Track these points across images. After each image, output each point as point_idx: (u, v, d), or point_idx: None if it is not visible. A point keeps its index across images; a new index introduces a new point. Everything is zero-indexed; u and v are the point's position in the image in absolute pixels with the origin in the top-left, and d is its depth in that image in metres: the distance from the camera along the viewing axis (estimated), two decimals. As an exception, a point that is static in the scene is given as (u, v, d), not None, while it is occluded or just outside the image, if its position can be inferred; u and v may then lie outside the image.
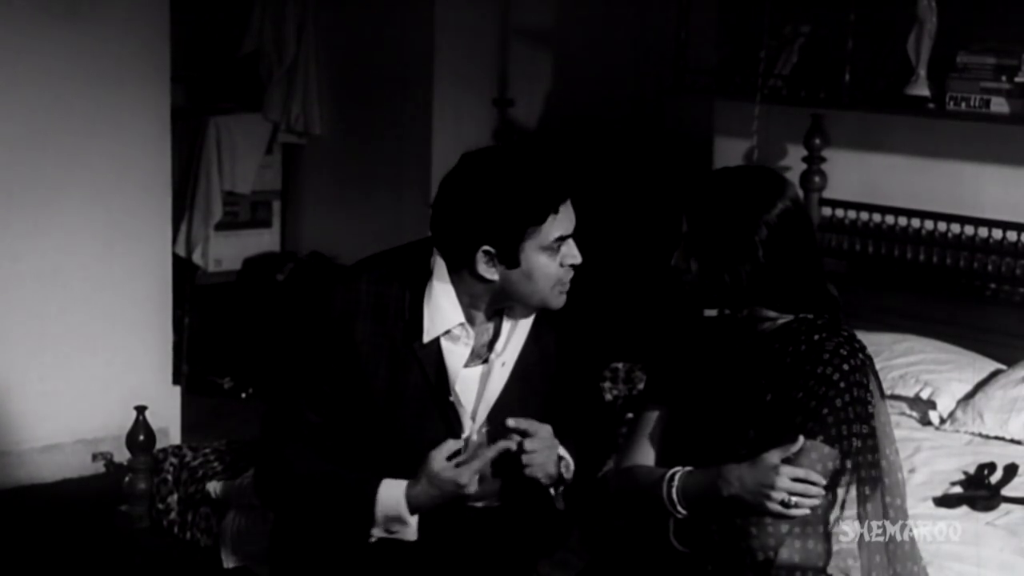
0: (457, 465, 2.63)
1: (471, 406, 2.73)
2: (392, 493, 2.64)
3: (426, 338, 2.68)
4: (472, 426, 2.74)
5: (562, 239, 2.64)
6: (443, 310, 2.67)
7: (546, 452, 2.67)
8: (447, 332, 2.69)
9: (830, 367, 2.53)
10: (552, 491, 2.74)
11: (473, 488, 2.62)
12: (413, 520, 2.66)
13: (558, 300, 2.68)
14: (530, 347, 2.76)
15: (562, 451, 2.72)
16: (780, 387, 2.56)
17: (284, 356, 2.79)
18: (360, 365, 2.68)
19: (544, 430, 2.66)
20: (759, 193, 2.58)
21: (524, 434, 2.65)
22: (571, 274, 2.67)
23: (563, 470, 2.72)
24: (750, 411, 2.59)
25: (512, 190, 2.58)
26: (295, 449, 2.69)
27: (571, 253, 2.66)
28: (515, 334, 2.75)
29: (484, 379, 2.73)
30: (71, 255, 5.05)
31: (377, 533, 2.67)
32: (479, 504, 2.79)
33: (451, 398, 2.71)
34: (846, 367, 2.53)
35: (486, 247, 2.61)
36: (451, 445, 2.64)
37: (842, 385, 2.52)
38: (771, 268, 2.56)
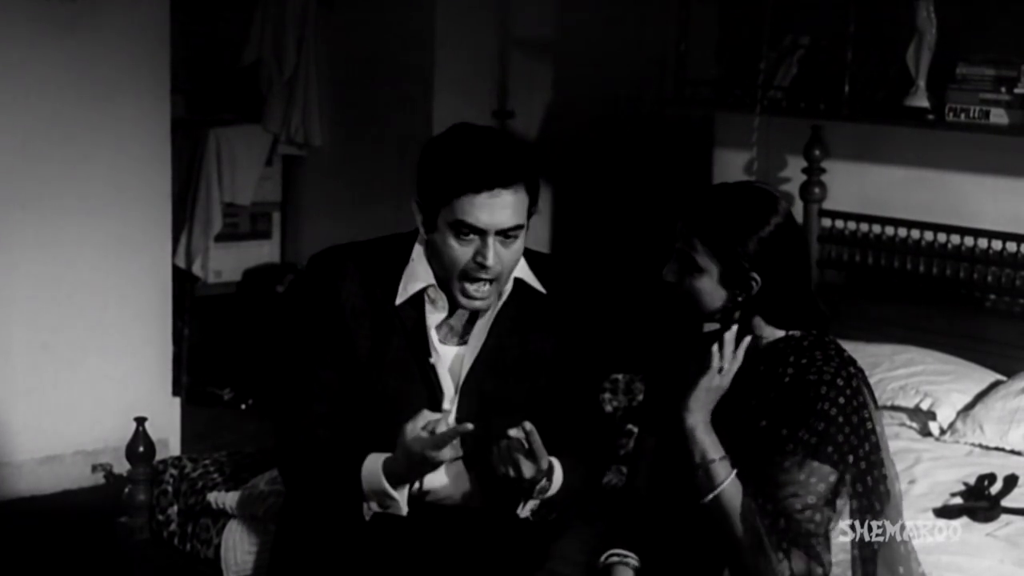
0: (431, 435, 2.62)
1: (452, 379, 2.79)
2: (373, 467, 2.68)
3: (399, 299, 2.76)
4: (452, 397, 2.78)
5: (472, 228, 2.65)
6: (416, 273, 2.77)
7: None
8: (424, 292, 2.76)
9: (827, 402, 2.52)
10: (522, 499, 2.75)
11: (445, 457, 2.62)
12: (398, 494, 2.68)
13: (462, 298, 2.72)
14: (510, 339, 2.80)
15: (553, 461, 2.72)
16: (774, 415, 2.55)
17: (284, 347, 2.87)
18: (346, 323, 2.76)
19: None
20: (752, 209, 2.58)
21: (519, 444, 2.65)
22: (479, 271, 2.68)
23: (545, 481, 2.71)
24: (741, 435, 2.58)
25: (449, 153, 2.67)
26: (305, 437, 2.76)
27: (483, 251, 2.67)
28: (486, 318, 2.79)
29: (460, 359, 2.79)
30: (71, 266, 5.05)
31: (373, 508, 2.70)
32: (456, 502, 2.80)
33: (431, 360, 2.76)
34: (842, 400, 2.53)
35: (417, 198, 2.72)
36: (426, 415, 2.66)
37: (840, 419, 2.52)
38: (764, 284, 2.57)
